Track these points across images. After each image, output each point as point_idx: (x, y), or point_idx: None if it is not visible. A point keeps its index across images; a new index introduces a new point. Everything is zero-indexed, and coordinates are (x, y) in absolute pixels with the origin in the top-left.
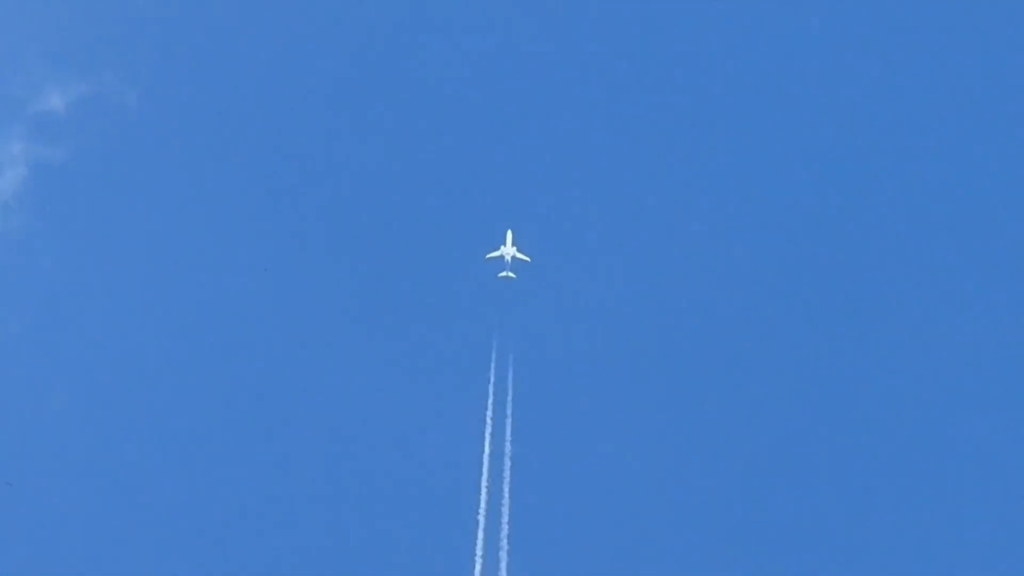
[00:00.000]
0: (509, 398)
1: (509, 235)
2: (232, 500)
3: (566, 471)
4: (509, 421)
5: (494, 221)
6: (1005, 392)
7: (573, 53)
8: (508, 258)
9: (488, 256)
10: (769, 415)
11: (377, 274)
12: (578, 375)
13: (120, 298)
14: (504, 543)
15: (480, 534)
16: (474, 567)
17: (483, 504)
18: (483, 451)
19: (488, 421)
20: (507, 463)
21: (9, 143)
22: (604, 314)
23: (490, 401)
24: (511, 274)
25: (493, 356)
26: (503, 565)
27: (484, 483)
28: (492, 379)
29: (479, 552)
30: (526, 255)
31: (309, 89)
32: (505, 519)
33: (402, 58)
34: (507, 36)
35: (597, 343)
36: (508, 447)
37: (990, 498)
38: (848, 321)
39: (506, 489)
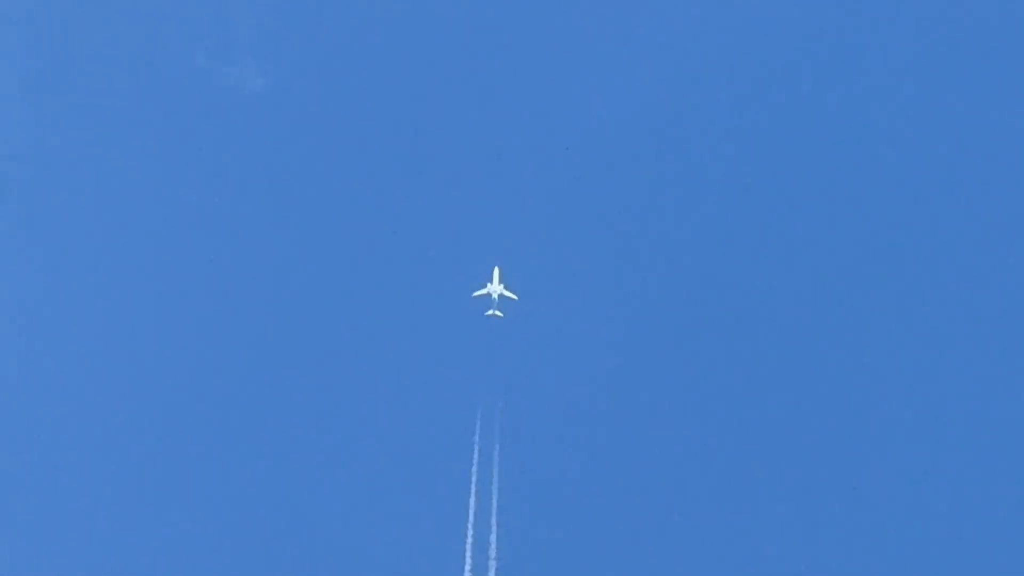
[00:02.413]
0: (496, 439)
1: (496, 272)
2: (220, 525)
3: (553, 508)
4: (496, 460)
5: (481, 258)
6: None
7: (560, 87)
8: (495, 296)
9: (475, 294)
10: (764, 457)
11: (362, 313)
12: (566, 415)
13: None
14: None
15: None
16: None
17: (469, 545)
18: (470, 489)
19: (475, 461)
20: (494, 502)
21: None
22: (592, 353)
23: (476, 441)
24: (498, 312)
25: (480, 397)
26: None
27: (471, 517)
28: (479, 420)
29: None
30: (513, 293)
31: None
32: (493, 559)
33: (389, 90)
34: (493, 68)
35: (585, 382)
36: (495, 487)
37: (989, 499)
38: (846, 349)
39: (493, 531)
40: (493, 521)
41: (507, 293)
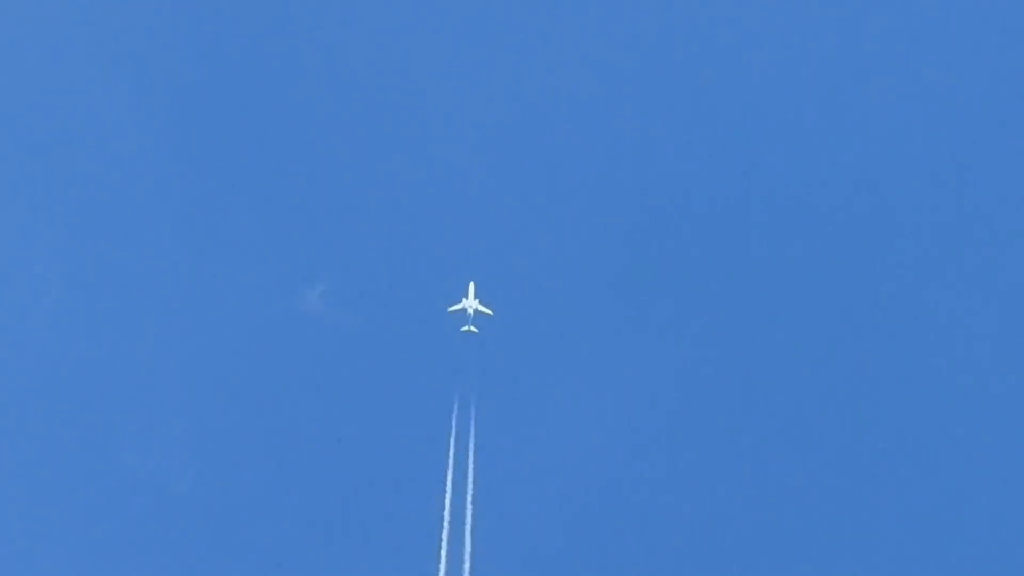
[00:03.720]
0: (470, 454)
1: (471, 287)
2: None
3: (527, 523)
4: (471, 472)
5: (456, 273)
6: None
7: (535, 103)
8: (471, 311)
9: (450, 309)
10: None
11: (342, 326)
12: (541, 430)
13: None
14: None
15: None
16: None
17: (443, 560)
18: (444, 505)
19: (449, 472)
20: (468, 516)
21: None
22: (567, 366)
23: (450, 454)
24: (474, 328)
25: (455, 411)
26: None
27: (444, 536)
28: (453, 434)
29: None
30: (489, 308)
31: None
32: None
33: (368, 108)
34: (472, 88)
35: (561, 397)
36: (470, 501)
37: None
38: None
39: (467, 547)
40: (467, 547)
41: (482, 308)
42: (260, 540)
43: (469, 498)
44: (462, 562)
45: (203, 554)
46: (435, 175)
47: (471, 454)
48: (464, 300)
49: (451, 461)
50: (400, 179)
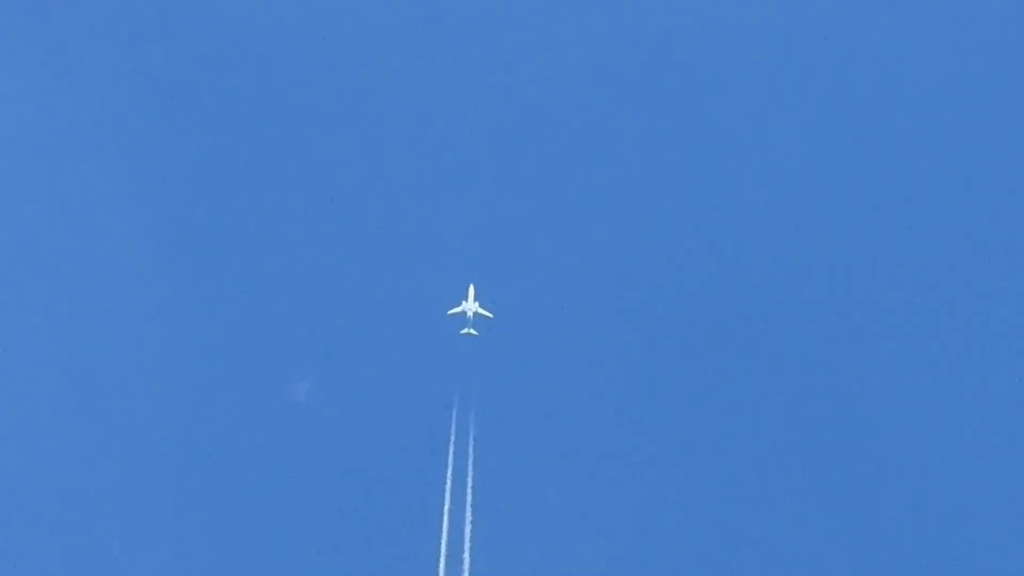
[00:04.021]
0: (470, 457)
1: (471, 290)
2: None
3: (527, 530)
4: (471, 473)
5: (456, 276)
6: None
7: (533, 104)
8: (470, 314)
9: (450, 312)
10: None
11: (338, 329)
12: (540, 433)
13: None
14: None
15: None
16: None
17: (442, 561)
18: (443, 510)
19: (449, 473)
20: (468, 523)
21: None
22: (567, 371)
23: (450, 458)
24: (473, 331)
25: (454, 415)
26: None
27: (444, 536)
28: (453, 439)
29: None
30: (488, 311)
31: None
32: None
33: (363, 107)
34: (468, 88)
35: (560, 401)
36: (470, 502)
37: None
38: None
39: (467, 547)
40: (466, 553)
41: (482, 311)
42: None
43: (469, 499)
44: (462, 563)
45: None
46: (435, 176)
47: (471, 456)
48: (464, 303)
49: (451, 462)
50: (400, 179)
